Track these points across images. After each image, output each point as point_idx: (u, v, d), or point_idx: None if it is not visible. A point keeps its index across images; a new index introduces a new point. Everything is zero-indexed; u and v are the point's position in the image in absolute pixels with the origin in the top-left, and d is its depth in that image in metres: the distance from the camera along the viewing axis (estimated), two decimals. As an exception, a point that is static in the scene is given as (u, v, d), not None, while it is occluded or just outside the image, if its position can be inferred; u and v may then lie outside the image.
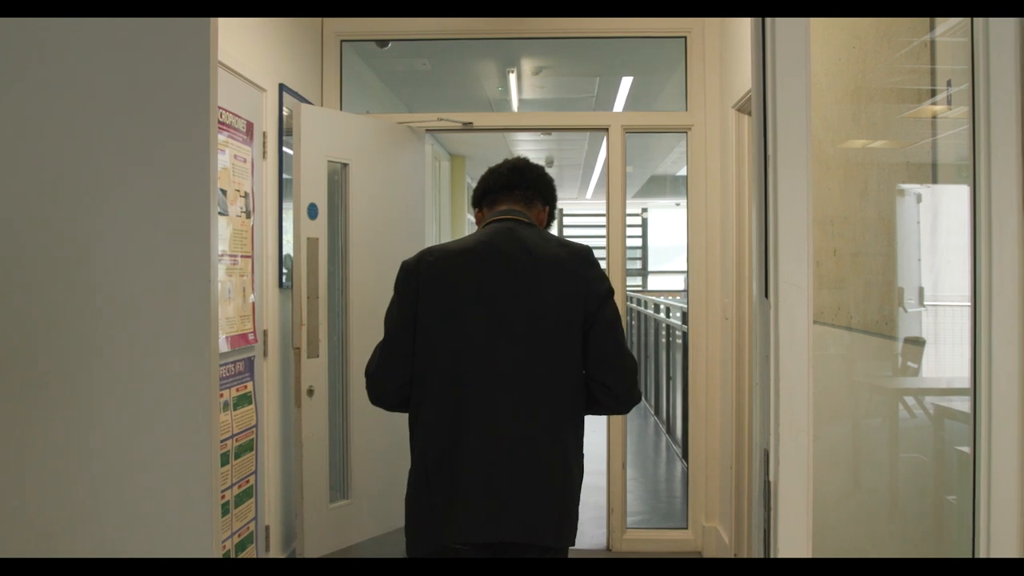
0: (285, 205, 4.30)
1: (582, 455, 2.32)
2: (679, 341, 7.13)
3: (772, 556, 1.57)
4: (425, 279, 2.26)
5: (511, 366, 2.20)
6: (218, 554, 1.73)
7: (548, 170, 2.58)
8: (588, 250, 2.33)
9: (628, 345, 2.32)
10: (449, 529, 2.19)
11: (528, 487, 2.19)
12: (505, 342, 2.21)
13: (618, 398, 2.26)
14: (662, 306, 8.84)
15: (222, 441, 3.44)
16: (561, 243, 2.35)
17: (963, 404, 1.91)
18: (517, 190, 2.45)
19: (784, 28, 1.58)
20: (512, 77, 6.74)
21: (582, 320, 2.23)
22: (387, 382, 2.29)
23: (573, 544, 2.29)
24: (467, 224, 11.68)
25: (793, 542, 1.56)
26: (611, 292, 2.28)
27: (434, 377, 2.23)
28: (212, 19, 1.71)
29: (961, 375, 1.82)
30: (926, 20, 2.15)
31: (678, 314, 7.37)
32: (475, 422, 2.19)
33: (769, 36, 1.60)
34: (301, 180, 4.19)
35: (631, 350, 2.31)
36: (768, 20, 1.60)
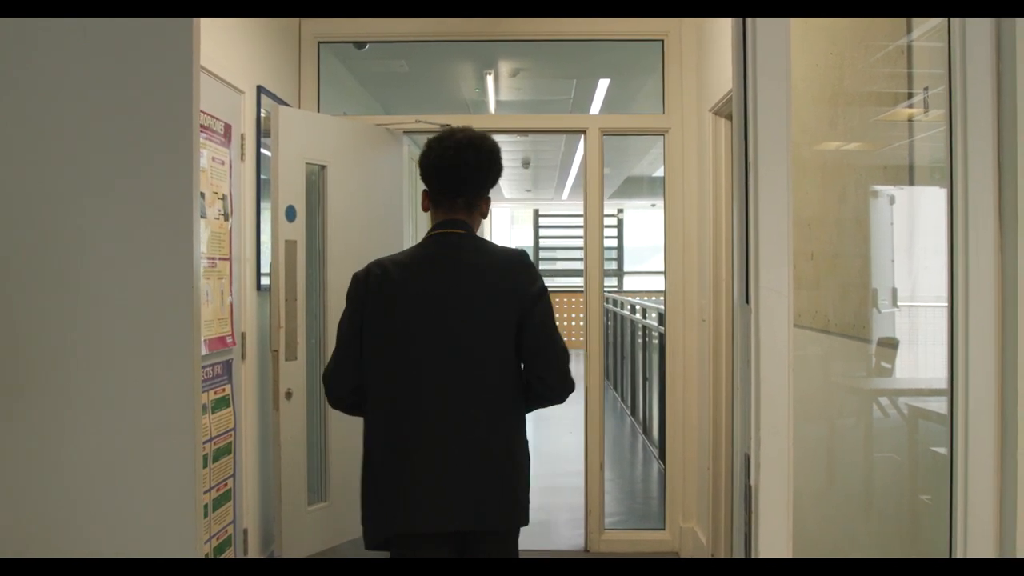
0: (263, 207, 4.27)
1: (526, 442, 2.47)
2: (655, 342, 7.15)
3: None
4: (372, 288, 2.41)
5: (452, 366, 2.36)
6: (200, 555, 1.73)
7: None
8: (523, 253, 2.51)
9: (560, 338, 2.45)
10: (403, 516, 2.36)
11: (474, 476, 2.34)
12: (446, 344, 2.36)
13: (552, 388, 2.41)
14: (638, 307, 8.85)
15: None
16: (496, 250, 2.50)
17: (937, 404, 1.93)
18: (460, 198, 2.48)
19: (765, 28, 1.60)
20: (489, 79, 6.74)
21: (517, 319, 2.38)
22: (341, 386, 2.46)
23: (527, 523, 2.44)
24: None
25: (774, 545, 1.57)
26: (544, 290, 2.43)
27: (381, 379, 2.40)
28: (195, 19, 1.69)
29: (935, 375, 1.84)
30: (903, 25, 2.17)
31: (654, 315, 7.38)
32: (418, 420, 2.36)
33: (750, 36, 1.61)
34: (279, 182, 4.17)
35: (565, 343, 2.48)
36: (749, 20, 1.61)
